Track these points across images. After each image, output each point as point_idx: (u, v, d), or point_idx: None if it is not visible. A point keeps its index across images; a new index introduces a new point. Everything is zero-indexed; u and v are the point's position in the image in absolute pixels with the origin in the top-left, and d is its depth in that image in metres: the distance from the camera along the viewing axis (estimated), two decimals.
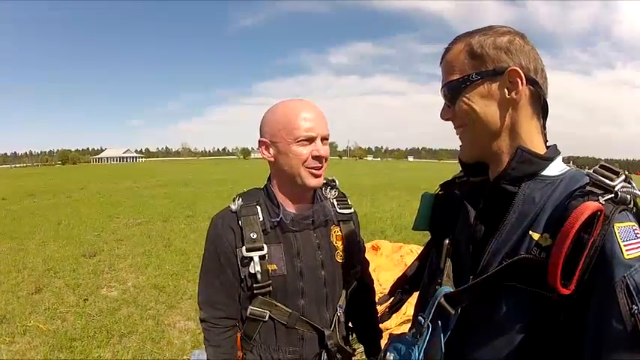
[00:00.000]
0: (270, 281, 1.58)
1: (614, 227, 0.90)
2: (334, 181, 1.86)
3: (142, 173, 41.75)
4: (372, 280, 2.08)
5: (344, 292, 1.79)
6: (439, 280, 1.20)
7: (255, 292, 1.58)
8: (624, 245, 0.89)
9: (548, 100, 1.12)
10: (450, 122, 1.21)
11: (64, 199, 19.10)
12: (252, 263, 1.54)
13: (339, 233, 1.77)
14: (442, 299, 1.12)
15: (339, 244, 1.76)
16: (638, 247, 0.89)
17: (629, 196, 0.95)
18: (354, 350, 1.92)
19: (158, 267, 7.80)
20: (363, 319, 1.99)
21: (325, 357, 1.69)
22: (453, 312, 1.10)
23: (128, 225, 12.23)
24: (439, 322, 1.12)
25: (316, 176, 1.61)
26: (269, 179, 1.73)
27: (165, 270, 7.52)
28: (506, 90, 1.07)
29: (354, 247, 1.81)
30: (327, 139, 1.65)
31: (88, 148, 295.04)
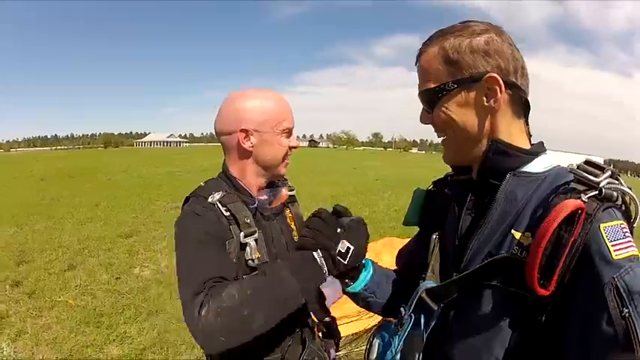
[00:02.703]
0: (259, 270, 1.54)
1: (600, 227, 0.89)
2: None
3: (185, 158, 42.50)
4: None
5: None
6: (423, 275, 1.25)
7: None
8: (612, 245, 0.88)
9: (529, 98, 1.12)
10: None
11: (104, 181, 19.89)
12: (248, 249, 1.52)
13: (290, 214, 1.86)
14: (424, 294, 1.16)
15: (293, 225, 1.84)
16: (627, 247, 0.88)
17: (615, 193, 0.93)
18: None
19: None
20: None
21: (309, 333, 1.75)
22: (435, 307, 1.13)
23: (167, 208, 12.55)
24: (421, 315, 1.15)
25: (286, 165, 1.73)
26: (225, 169, 1.71)
27: None
28: (484, 97, 1.07)
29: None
30: None
31: (131, 132, 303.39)
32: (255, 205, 1.65)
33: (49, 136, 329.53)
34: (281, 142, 1.64)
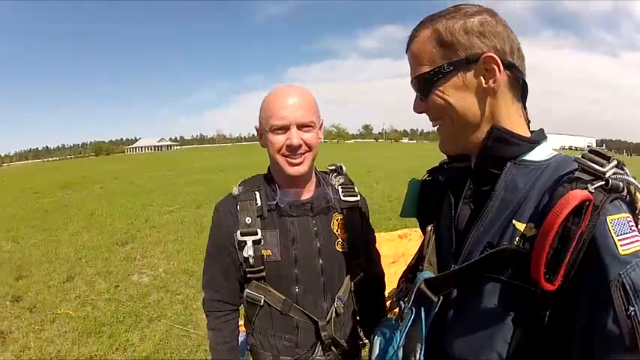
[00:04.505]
0: (263, 267, 1.64)
1: (607, 220, 0.86)
2: (341, 168, 1.87)
3: (177, 161, 42.41)
4: (384, 273, 2.04)
5: (346, 283, 1.77)
6: (420, 267, 1.22)
7: (248, 276, 1.66)
8: (619, 240, 0.84)
9: (527, 80, 1.08)
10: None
11: (97, 190, 19.68)
12: (245, 247, 1.61)
13: (342, 221, 1.76)
14: (422, 285, 1.12)
15: (341, 233, 1.74)
16: (634, 242, 0.84)
17: (621, 184, 0.90)
18: (362, 345, 1.90)
19: (189, 253, 7.98)
20: (371, 313, 1.93)
21: (320, 349, 1.70)
22: (435, 299, 1.10)
23: (161, 213, 12.52)
24: (422, 308, 1.12)
25: (293, 165, 1.60)
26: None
27: (197, 255, 7.63)
28: (482, 78, 1.02)
29: (359, 236, 1.79)
30: (310, 126, 1.61)
31: (121, 139, 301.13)
32: (275, 201, 1.66)
33: (40, 148, 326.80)
34: (271, 139, 1.59)
